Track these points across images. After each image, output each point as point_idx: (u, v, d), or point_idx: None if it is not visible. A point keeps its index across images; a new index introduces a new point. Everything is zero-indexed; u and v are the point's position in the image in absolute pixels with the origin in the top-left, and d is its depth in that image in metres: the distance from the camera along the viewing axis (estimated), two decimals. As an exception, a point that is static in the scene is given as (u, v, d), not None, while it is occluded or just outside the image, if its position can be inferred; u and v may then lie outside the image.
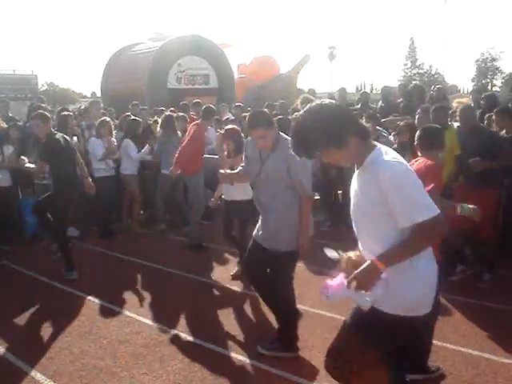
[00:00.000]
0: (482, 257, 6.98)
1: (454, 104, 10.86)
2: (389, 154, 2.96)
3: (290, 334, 5.07)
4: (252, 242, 5.19)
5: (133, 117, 10.63)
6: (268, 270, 5.19)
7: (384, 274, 2.90)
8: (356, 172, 3.11)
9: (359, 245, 3.20)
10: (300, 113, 3.12)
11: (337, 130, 2.91)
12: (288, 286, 5.15)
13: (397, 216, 2.86)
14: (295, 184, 4.86)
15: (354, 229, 3.21)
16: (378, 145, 3.03)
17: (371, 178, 2.93)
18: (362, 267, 2.94)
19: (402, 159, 2.95)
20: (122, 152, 9.70)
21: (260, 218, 5.12)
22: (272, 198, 4.93)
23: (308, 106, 3.06)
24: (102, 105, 11.90)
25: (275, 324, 5.72)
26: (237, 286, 6.96)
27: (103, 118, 10.02)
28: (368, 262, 2.93)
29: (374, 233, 3.04)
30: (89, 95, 62.27)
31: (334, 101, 3.22)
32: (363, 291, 2.94)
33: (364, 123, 3.13)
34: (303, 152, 3.02)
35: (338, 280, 3.04)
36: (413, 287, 2.97)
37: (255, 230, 5.17)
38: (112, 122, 10.01)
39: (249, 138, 5.36)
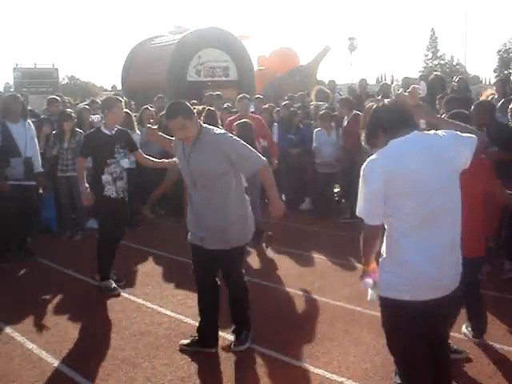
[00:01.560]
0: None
1: (483, 97, 10.75)
2: (385, 149, 3.27)
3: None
4: (192, 249, 5.00)
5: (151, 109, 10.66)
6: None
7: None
8: None
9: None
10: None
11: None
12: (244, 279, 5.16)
13: None
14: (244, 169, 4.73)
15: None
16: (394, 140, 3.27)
17: None
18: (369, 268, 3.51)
19: (380, 156, 3.23)
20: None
21: (194, 218, 4.88)
22: (212, 196, 4.70)
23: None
24: (123, 98, 11.88)
25: (294, 313, 5.75)
26: (255, 277, 6.96)
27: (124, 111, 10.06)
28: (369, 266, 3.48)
29: None
30: (109, 88, 62.60)
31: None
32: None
33: None
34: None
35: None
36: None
37: (189, 235, 4.99)
38: (133, 116, 10.03)
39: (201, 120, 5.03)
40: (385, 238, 3.30)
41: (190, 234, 4.97)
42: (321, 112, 10.35)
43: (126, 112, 9.96)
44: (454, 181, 3.22)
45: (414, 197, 3.09)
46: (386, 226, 3.27)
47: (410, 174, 3.09)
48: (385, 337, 3.44)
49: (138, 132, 9.66)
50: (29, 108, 11.08)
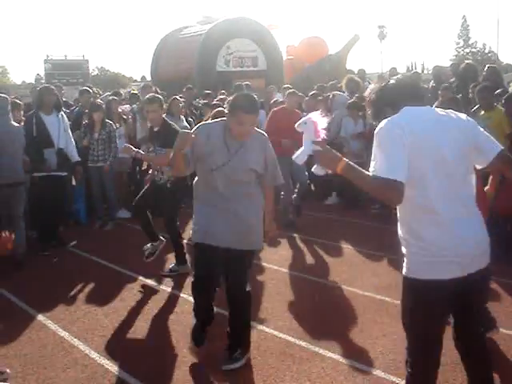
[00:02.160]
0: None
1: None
2: (399, 114, 3.06)
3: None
4: (204, 248, 4.53)
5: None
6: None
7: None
8: None
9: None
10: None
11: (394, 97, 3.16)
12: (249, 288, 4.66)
13: None
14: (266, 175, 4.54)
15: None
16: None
17: None
18: (336, 154, 3.04)
19: (396, 119, 3.01)
20: None
21: (219, 215, 4.47)
22: (249, 193, 4.51)
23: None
24: (153, 88, 11.96)
25: (322, 303, 5.74)
26: (283, 267, 6.97)
27: None
28: (340, 157, 3.02)
29: None
30: (139, 79, 62.96)
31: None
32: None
33: None
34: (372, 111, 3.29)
35: (320, 125, 3.17)
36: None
37: (201, 233, 4.55)
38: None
39: (210, 121, 4.91)
40: (404, 217, 3.12)
41: (201, 231, 4.55)
42: (349, 101, 10.31)
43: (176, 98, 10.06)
44: (466, 158, 3.08)
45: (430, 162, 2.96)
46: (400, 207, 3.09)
47: (426, 139, 2.95)
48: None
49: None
50: (63, 99, 11.24)
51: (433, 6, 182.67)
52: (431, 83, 12.65)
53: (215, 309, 4.95)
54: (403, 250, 3.11)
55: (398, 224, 3.15)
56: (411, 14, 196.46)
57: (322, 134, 3.12)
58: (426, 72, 44.35)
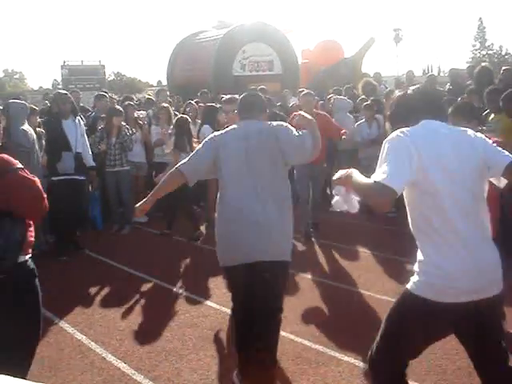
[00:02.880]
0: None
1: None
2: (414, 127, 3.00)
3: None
4: (235, 270, 4.12)
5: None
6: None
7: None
8: None
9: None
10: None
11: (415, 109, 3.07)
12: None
13: None
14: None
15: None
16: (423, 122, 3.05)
17: None
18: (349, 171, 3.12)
19: (410, 131, 2.94)
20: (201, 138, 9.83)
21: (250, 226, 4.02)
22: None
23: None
24: (168, 93, 12.05)
25: (339, 307, 5.74)
26: (299, 271, 6.97)
27: (162, 105, 10.23)
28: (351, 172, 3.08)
29: None
30: (155, 84, 63.22)
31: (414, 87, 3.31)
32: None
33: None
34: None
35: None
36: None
37: (229, 255, 4.17)
38: (172, 110, 10.12)
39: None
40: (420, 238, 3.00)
41: (229, 254, 4.18)
42: (366, 103, 10.26)
43: (164, 106, 10.14)
44: (479, 177, 2.99)
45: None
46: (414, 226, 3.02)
47: (440, 158, 2.88)
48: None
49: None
50: (81, 105, 11.34)
51: (449, 8, 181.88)
52: (448, 86, 12.59)
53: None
54: (416, 266, 3.01)
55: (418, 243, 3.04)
56: (427, 17, 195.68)
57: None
58: (442, 75, 44.16)
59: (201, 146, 4.31)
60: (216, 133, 4.43)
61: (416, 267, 3.01)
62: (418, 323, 2.96)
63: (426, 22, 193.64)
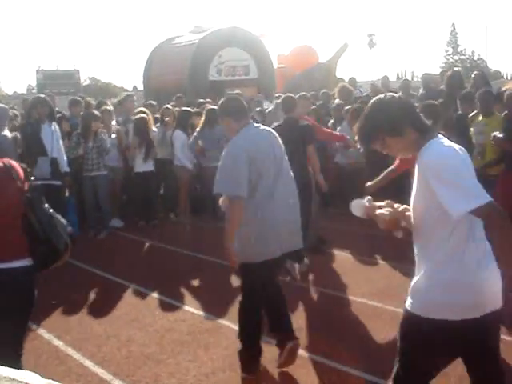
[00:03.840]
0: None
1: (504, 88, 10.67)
2: (444, 143, 2.84)
3: None
4: (264, 266, 4.44)
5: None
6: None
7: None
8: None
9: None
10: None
11: (395, 120, 2.91)
12: None
13: (445, 206, 2.69)
14: None
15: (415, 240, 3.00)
16: (438, 137, 2.89)
17: (418, 169, 2.85)
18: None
19: (456, 147, 2.82)
20: (174, 143, 9.83)
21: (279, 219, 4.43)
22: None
23: (375, 97, 3.11)
24: (135, 97, 11.96)
25: (318, 310, 5.77)
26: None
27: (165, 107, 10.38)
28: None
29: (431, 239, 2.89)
30: (130, 89, 62.90)
31: (396, 94, 3.25)
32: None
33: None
34: (366, 140, 3.07)
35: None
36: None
37: (262, 251, 4.42)
38: (150, 116, 10.09)
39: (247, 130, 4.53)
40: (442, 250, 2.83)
41: (261, 250, 4.42)
42: (349, 107, 10.07)
43: (142, 111, 10.13)
44: None
45: None
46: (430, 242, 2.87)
47: None
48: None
49: (154, 129, 9.82)
50: (56, 109, 11.26)
51: (422, 14, 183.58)
52: (421, 90, 12.74)
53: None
54: (422, 286, 2.87)
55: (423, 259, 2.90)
56: (400, 22, 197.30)
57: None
58: (415, 79, 44.57)
59: (235, 160, 4.33)
60: (241, 141, 4.42)
61: (422, 287, 2.89)
62: (436, 351, 2.87)
63: (400, 28, 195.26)
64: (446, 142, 2.86)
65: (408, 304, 2.92)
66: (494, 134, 6.53)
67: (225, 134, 6.24)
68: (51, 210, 3.53)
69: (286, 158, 4.64)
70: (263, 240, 4.37)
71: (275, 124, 7.09)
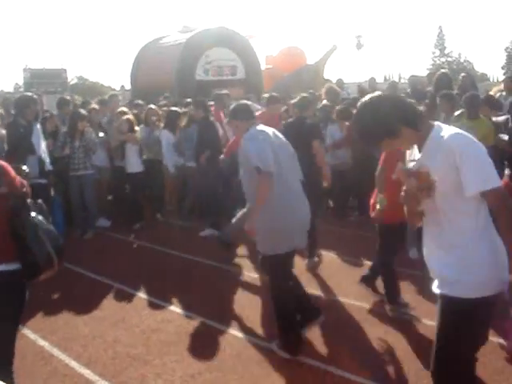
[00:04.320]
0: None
1: (492, 92, 10.74)
2: (448, 128, 2.99)
3: None
4: (288, 257, 4.96)
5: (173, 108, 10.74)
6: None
7: None
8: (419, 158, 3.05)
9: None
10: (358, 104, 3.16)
11: (389, 121, 2.95)
12: None
13: (465, 184, 2.85)
14: None
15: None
16: (436, 124, 3.02)
17: (440, 157, 2.91)
18: None
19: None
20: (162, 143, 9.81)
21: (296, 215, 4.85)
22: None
23: (363, 100, 3.11)
24: (121, 97, 11.93)
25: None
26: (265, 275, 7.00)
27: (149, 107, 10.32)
28: None
29: (453, 220, 2.97)
30: (118, 88, 62.70)
31: (381, 93, 3.26)
32: None
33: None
34: (367, 144, 3.13)
35: None
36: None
37: (288, 242, 4.83)
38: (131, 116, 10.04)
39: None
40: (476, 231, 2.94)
41: (287, 242, 4.84)
42: (339, 107, 10.02)
43: (123, 111, 10.11)
44: None
45: None
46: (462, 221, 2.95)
47: None
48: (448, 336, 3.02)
49: (136, 128, 9.82)
50: (45, 108, 11.21)
51: (410, 16, 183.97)
52: (408, 92, 12.80)
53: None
54: (462, 269, 2.92)
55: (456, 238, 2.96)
56: (388, 24, 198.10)
57: None
58: (402, 81, 44.72)
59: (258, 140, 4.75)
60: (256, 131, 4.88)
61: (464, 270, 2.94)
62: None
63: (388, 30, 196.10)
64: (449, 128, 3.00)
65: (452, 291, 2.96)
66: (500, 136, 6.52)
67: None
68: (39, 218, 3.43)
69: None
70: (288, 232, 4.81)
71: (289, 120, 7.86)
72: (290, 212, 4.73)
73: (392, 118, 2.94)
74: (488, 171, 2.85)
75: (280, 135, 5.05)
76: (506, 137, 6.54)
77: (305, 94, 8.18)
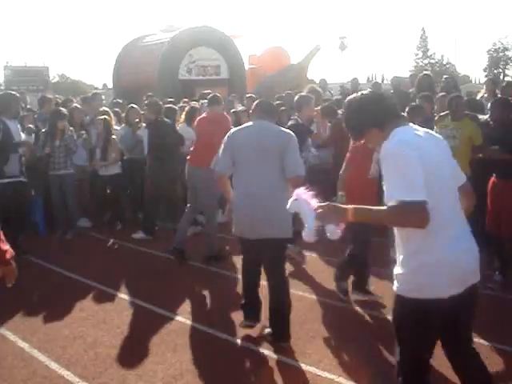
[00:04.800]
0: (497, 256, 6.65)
1: (479, 95, 10.82)
2: (402, 133, 3.01)
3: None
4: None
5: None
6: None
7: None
8: None
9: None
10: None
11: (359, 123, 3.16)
12: None
13: (385, 193, 2.90)
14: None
15: None
16: (399, 127, 3.05)
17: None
18: (338, 205, 3.06)
19: (411, 140, 2.95)
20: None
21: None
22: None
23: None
24: (103, 97, 11.82)
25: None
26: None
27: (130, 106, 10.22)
28: (346, 206, 3.01)
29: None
30: (100, 87, 62.38)
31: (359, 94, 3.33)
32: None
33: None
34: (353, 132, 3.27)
35: (310, 198, 3.21)
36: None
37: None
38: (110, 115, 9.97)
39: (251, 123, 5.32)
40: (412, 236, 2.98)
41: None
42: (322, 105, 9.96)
43: (105, 111, 10.03)
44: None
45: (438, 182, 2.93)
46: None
47: (432, 158, 2.94)
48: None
49: (116, 128, 9.76)
50: (28, 106, 11.09)
51: (393, 17, 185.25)
52: (391, 93, 12.84)
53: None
54: (401, 269, 3.03)
55: (398, 243, 3.08)
56: (372, 25, 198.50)
57: (315, 204, 3.14)
58: (385, 82, 44.94)
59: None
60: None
61: (402, 270, 3.06)
62: (429, 329, 3.07)
63: (371, 31, 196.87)
64: (410, 130, 3.05)
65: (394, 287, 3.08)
66: (493, 147, 6.50)
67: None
68: None
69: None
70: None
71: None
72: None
73: (363, 120, 3.15)
74: (404, 183, 2.79)
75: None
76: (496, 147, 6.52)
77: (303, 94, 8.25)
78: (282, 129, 5.28)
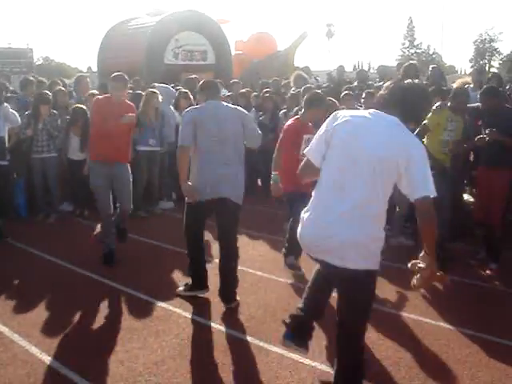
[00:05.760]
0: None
1: (457, 84, 10.76)
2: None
3: None
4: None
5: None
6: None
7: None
8: None
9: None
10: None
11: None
12: None
13: None
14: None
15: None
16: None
17: None
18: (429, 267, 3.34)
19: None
20: None
21: None
22: None
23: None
24: (88, 79, 11.61)
25: (268, 297, 5.76)
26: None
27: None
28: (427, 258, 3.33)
29: None
30: (85, 70, 61.82)
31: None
32: None
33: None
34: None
35: None
36: None
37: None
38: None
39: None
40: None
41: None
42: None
43: (93, 93, 9.89)
44: None
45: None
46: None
47: None
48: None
49: None
50: (11, 88, 10.92)
51: (380, 6, 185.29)
52: (377, 81, 12.86)
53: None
54: (377, 246, 3.41)
55: (375, 224, 3.38)
56: (359, 14, 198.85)
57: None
58: (372, 71, 44.98)
59: None
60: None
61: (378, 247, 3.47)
62: None
63: (359, 19, 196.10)
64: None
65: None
66: (488, 130, 6.44)
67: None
68: None
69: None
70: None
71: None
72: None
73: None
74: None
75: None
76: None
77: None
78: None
